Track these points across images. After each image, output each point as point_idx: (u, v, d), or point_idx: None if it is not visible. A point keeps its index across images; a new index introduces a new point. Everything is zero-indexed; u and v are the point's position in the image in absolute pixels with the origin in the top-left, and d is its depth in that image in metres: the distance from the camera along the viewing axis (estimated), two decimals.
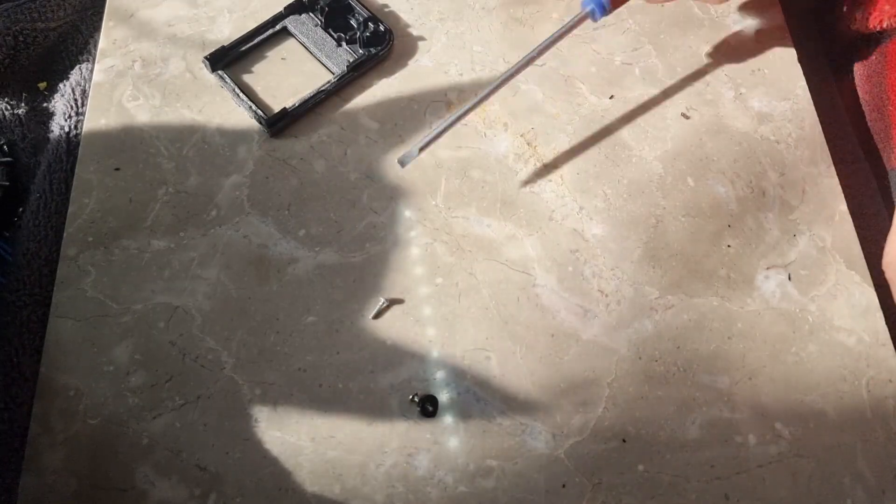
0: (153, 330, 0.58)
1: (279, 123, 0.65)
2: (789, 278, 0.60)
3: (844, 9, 0.69)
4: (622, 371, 0.56)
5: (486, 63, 0.69)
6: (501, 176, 0.64)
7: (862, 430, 0.54)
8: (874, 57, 0.68)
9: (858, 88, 0.70)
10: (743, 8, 0.72)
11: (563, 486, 0.53)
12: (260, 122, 0.65)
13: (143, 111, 0.67)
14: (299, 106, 0.66)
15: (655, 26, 0.71)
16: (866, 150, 0.68)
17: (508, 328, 0.58)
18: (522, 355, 0.57)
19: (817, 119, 0.66)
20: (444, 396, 0.55)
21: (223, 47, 0.68)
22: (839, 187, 0.63)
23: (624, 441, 0.54)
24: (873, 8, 0.66)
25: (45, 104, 0.71)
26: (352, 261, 0.60)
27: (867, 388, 0.56)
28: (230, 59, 0.69)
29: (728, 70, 0.69)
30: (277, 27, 0.71)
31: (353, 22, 0.70)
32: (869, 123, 0.68)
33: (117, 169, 0.64)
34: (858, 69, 0.71)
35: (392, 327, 0.58)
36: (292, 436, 0.54)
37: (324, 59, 0.69)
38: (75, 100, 0.69)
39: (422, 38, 0.71)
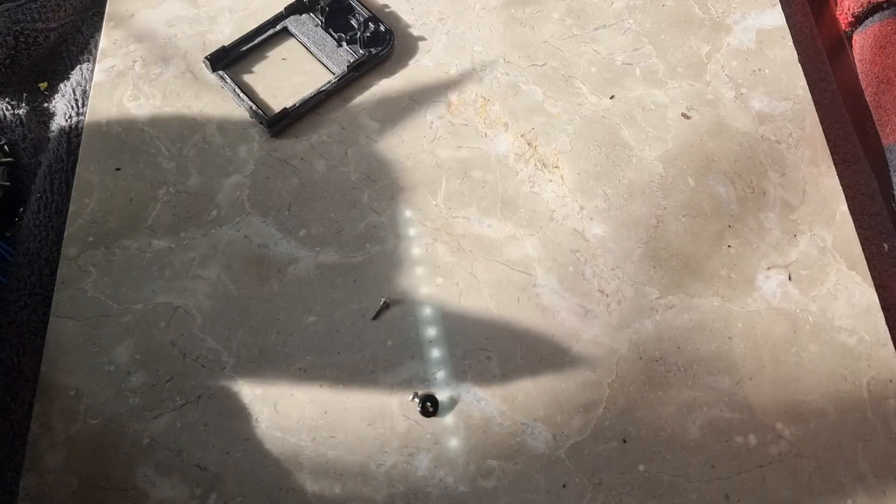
0: (154, 330, 0.58)
1: (280, 123, 0.65)
2: (790, 278, 0.60)
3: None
4: (623, 371, 0.56)
5: (487, 63, 0.69)
6: (502, 176, 0.64)
7: (862, 430, 0.54)
8: (865, 42, 0.69)
9: (858, 69, 0.71)
10: (743, 8, 0.72)
11: (564, 486, 0.53)
12: (261, 122, 0.65)
13: (143, 111, 0.67)
14: (300, 106, 0.66)
15: (656, 26, 0.71)
16: (861, 131, 0.69)
17: (509, 328, 0.58)
18: (523, 355, 0.57)
19: (818, 119, 0.66)
20: (444, 396, 0.55)
21: (224, 47, 0.68)
22: (840, 187, 0.63)
23: (624, 441, 0.54)
24: (839, 11, 0.69)
25: (45, 104, 0.71)
26: (352, 261, 0.60)
27: (868, 388, 0.56)
28: (231, 60, 0.69)
29: (728, 70, 0.69)
30: (278, 27, 0.71)
31: (353, 22, 0.70)
32: (867, 100, 0.69)
33: (118, 169, 0.64)
34: (855, 51, 0.72)
35: (393, 327, 0.58)
36: (293, 436, 0.54)
37: (324, 60, 0.69)
38: (76, 100, 0.69)
39: (422, 39, 0.71)
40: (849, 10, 0.70)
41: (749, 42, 0.70)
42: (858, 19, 0.70)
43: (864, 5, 0.68)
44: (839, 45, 0.74)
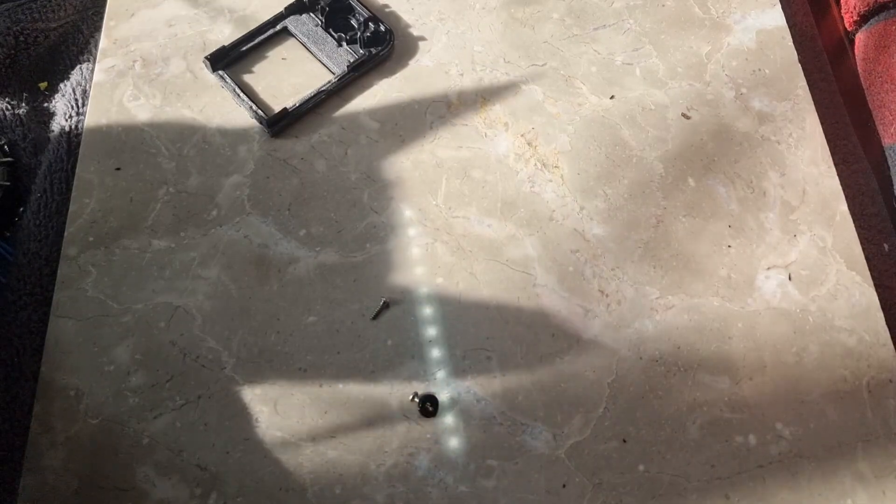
0: (154, 330, 0.58)
1: (280, 123, 0.65)
2: (790, 278, 0.60)
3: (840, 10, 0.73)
4: (623, 371, 0.56)
5: (487, 63, 0.69)
6: (502, 176, 0.64)
7: (862, 430, 0.54)
8: (868, 40, 0.69)
9: (860, 68, 0.71)
10: (743, 8, 0.72)
11: (564, 485, 0.53)
12: (260, 122, 0.65)
13: (143, 111, 0.67)
14: (300, 106, 0.66)
15: (656, 26, 0.71)
16: (861, 131, 0.69)
17: (509, 328, 0.58)
18: (523, 355, 0.57)
19: (818, 119, 0.66)
20: (444, 396, 0.55)
21: (224, 47, 0.68)
22: (840, 187, 0.63)
23: (624, 441, 0.54)
24: (844, 10, 0.69)
25: (45, 104, 0.71)
26: (352, 261, 0.60)
27: (868, 388, 0.56)
28: (231, 59, 0.69)
29: (729, 70, 0.69)
30: (278, 27, 0.71)
31: (353, 22, 0.70)
32: (868, 100, 0.69)
33: (118, 169, 0.64)
34: (857, 51, 0.72)
35: (392, 327, 0.58)
36: (293, 436, 0.54)
37: (324, 60, 0.69)
38: (76, 99, 0.69)
39: (422, 38, 0.71)
40: (855, 8, 0.70)
41: (749, 42, 0.70)
42: (864, 18, 0.70)
43: (871, 4, 0.68)
44: (839, 45, 0.74)
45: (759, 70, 0.69)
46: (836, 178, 0.63)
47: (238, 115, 0.67)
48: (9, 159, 0.68)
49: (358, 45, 0.69)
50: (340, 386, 0.56)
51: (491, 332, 0.58)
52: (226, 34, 0.71)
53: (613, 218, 0.62)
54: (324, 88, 0.67)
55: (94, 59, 0.70)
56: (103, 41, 0.71)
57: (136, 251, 0.61)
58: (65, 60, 0.73)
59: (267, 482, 0.53)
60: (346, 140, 0.66)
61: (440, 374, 0.56)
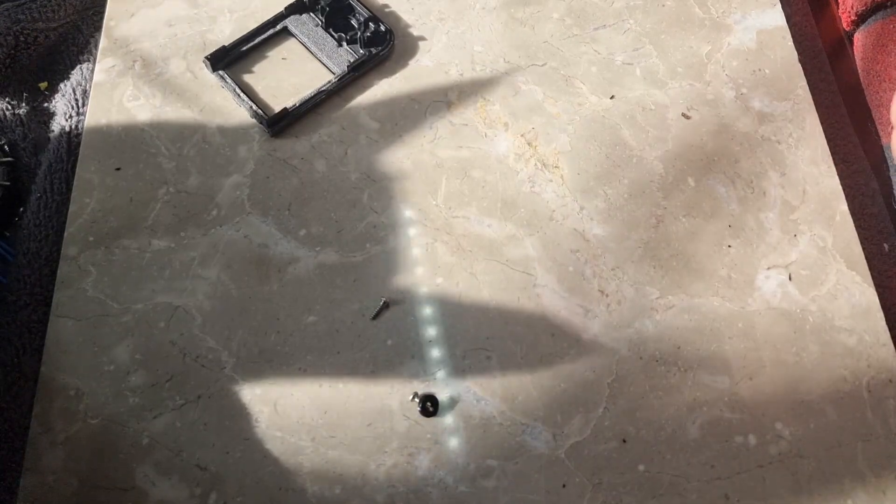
0: (154, 329, 0.58)
1: (280, 123, 0.65)
2: (790, 278, 0.60)
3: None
4: (623, 371, 0.56)
5: (487, 63, 0.69)
6: (502, 176, 0.64)
7: (862, 430, 0.54)
8: (867, 40, 0.69)
9: (859, 67, 0.71)
10: (743, 8, 0.72)
11: (564, 486, 0.53)
12: (261, 122, 0.65)
13: (143, 111, 0.67)
14: (300, 106, 0.66)
15: (656, 26, 0.71)
16: (861, 132, 0.69)
17: (509, 328, 0.58)
18: (523, 355, 0.57)
19: (818, 119, 0.66)
20: (444, 396, 0.55)
21: (224, 47, 0.68)
22: (840, 187, 0.63)
23: (624, 441, 0.54)
24: (842, 10, 0.70)
25: (45, 104, 0.71)
26: (352, 260, 0.60)
27: (867, 388, 0.56)
28: (231, 59, 0.69)
29: (729, 70, 0.69)
30: (278, 27, 0.71)
31: (353, 22, 0.70)
32: (867, 99, 0.69)
33: (118, 169, 0.64)
34: (855, 50, 0.72)
35: (392, 327, 0.58)
36: (293, 435, 0.54)
37: (324, 59, 0.69)
38: (76, 99, 0.69)
39: (422, 38, 0.71)
40: (852, 8, 0.70)
41: (749, 42, 0.70)
42: (861, 17, 0.70)
43: (868, 4, 0.68)
44: (839, 45, 0.74)
45: (759, 70, 0.69)
46: (836, 178, 0.63)
47: (238, 115, 0.67)
48: (9, 159, 0.68)
49: (358, 44, 0.69)
50: (340, 386, 0.56)
51: (491, 332, 0.58)
52: (226, 34, 0.71)
53: (613, 218, 0.62)
54: (324, 88, 0.67)
55: (94, 59, 0.70)
56: (103, 41, 0.71)
57: (136, 251, 0.61)
58: (65, 60, 0.73)
59: (267, 482, 0.53)
60: (346, 140, 0.66)
61: (440, 374, 0.56)
